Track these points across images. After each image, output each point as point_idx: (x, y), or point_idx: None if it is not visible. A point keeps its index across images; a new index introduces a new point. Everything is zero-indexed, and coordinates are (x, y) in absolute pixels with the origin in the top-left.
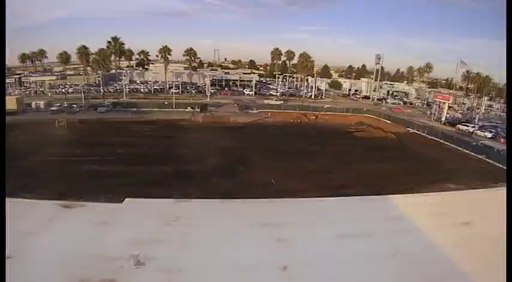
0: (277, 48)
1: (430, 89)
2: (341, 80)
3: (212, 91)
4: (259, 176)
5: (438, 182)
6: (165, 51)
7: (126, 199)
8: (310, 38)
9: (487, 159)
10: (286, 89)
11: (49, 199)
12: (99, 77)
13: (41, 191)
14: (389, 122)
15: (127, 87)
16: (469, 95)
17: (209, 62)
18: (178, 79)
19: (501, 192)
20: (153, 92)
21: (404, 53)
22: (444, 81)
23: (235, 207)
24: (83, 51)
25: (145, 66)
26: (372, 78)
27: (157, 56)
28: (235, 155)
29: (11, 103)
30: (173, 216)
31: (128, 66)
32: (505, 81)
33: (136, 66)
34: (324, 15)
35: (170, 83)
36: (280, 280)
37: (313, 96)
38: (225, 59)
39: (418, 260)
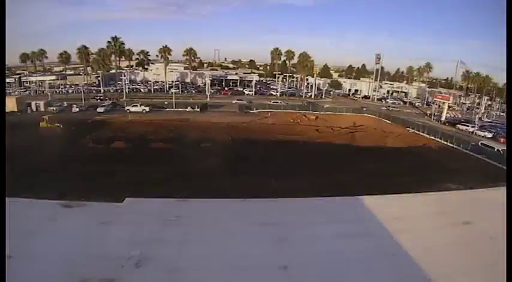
0: (277, 48)
1: (430, 89)
2: (341, 79)
3: (212, 91)
4: None
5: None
6: (165, 51)
7: (127, 199)
8: None
9: (486, 159)
10: (286, 89)
11: (49, 199)
12: (99, 77)
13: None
14: (389, 121)
15: (127, 87)
16: (469, 95)
17: (209, 62)
18: (178, 79)
19: (501, 192)
20: (153, 91)
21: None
22: (444, 81)
23: (235, 207)
24: (83, 51)
25: (145, 66)
26: (372, 78)
27: (157, 55)
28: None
29: (10, 103)
30: (173, 215)
31: (127, 66)
32: (504, 81)
33: (136, 66)
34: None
35: (170, 82)
36: (281, 279)
37: (313, 96)
38: (225, 58)
39: (418, 260)
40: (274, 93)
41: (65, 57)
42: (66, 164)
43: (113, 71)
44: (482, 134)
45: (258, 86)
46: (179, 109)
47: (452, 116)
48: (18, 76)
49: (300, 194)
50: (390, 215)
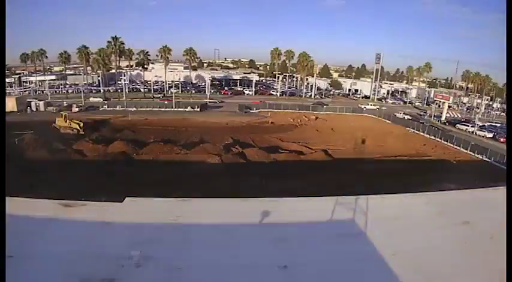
0: (277, 48)
1: (429, 89)
2: (341, 79)
3: (212, 91)
4: None
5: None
6: (165, 51)
7: (127, 198)
8: None
9: (486, 159)
10: (286, 89)
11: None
12: (99, 76)
13: None
14: (389, 122)
15: (127, 87)
16: (469, 95)
17: (209, 62)
18: (178, 79)
19: (501, 192)
20: (153, 91)
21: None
22: (444, 81)
23: (235, 206)
24: (83, 51)
25: (145, 66)
26: (372, 78)
27: (157, 55)
28: None
29: (10, 103)
30: (173, 215)
31: (127, 66)
32: (504, 81)
33: (136, 66)
34: None
35: (170, 82)
36: (280, 278)
37: (313, 96)
38: (225, 58)
39: (418, 259)
40: (274, 93)
41: (64, 57)
42: None
43: (113, 70)
44: (482, 134)
45: (258, 85)
46: (179, 109)
47: (452, 115)
48: (18, 76)
49: None
50: (390, 215)
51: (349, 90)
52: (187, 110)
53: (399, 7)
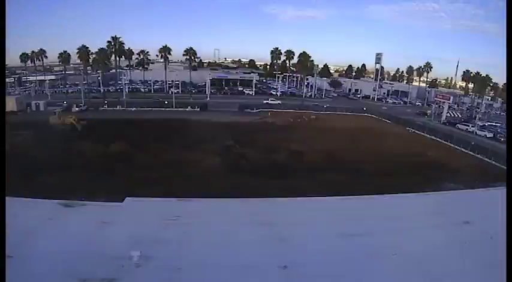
0: (277, 48)
1: (430, 89)
2: (341, 79)
3: (212, 91)
4: None
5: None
6: (165, 50)
7: (127, 198)
8: None
9: (486, 159)
10: (286, 89)
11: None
12: (99, 76)
13: None
14: (389, 121)
15: (127, 86)
16: (470, 95)
17: (209, 62)
18: (178, 78)
19: (501, 192)
20: (153, 91)
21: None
22: (444, 81)
23: (235, 206)
24: (83, 51)
25: (145, 66)
26: (372, 78)
27: (157, 55)
28: None
29: (10, 103)
30: (173, 215)
31: (127, 66)
32: (504, 81)
33: (136, 66)
34: None
35: (170, 82)
36: (281, 279)
37: (313, 96)
38: (225, 58)
39: (418, 260)
40: (274, 93)
41: (64, 57)
42: None
43: (113, 70)
44: (482, 133)
45: (258, 85)
46: (179, 109)
47: (452, 115)
48: (18, 76)
49: None
50: (390, 215)
51: (349, 90)
52: (187, 110)
53: (399, 7)
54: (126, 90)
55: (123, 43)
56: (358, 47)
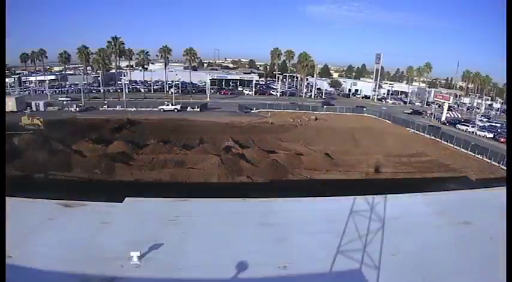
0: (277, 48)
1: (430, 89)
2: (341, 79)
3: (212, 91)
4: None
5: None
6: (165, 51)
7: (127, 198)
8: None
9: (486, 159)
10: (286, 89)
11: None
12: (99, 76)
13: None
14: (389, 121)
15: (127, 86)
16: (470, 95)
17: (209, 62)
18: (178, 78)
19: (501, 192)
20: (153, 91)
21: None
22: (444, 81)
23: (235, 206)
24: (83, 51)
25: (145, 66)
26: (372, 78)
27: (157, 55)
28: None
29: (10, 103)
30: (173, 215)
31: (127, 66)
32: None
33: (136, 66)
34: None
35: (170, 82)
36: (280, 279)
37: (313, 96)
38: (225, 58)
39: (419, 259)
40: (274, 93)
41: (64, 57)
42: None
43: (113, 70)
44: (482, 134)
45: (258, 85)
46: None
47: (452, 116)
48: (18, 76)
49: None
50: (390, 215)
51: (349, 90)
52: (187, 110)
53: (400, 7)
54: (126, 90)
55: (123, 43)
56: (358, 47)
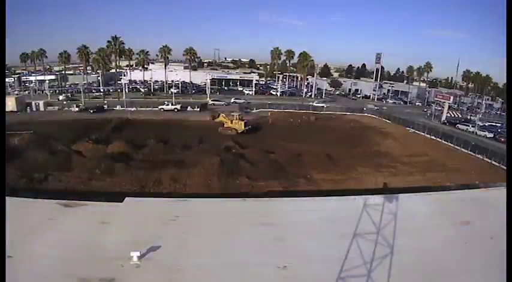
0: (277, 48)
1: (430, 89)
2: (341, 79)
3: (212, 91)
4: None
5: None
6: (165, 51)
7: (127, 198)
8: None
9: (486, 159)
10: (286, 89)
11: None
12: (99, 76)
13: None
14: (389, 121)
15: (127, 86)
16: (470, 95)
17: (209, 62)
18: (178, 78)
19: (501, 192)
20: (152, 91)
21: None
22: (444, 81)
23: (235, 206)
24: (83, 51)
25: (145, 66)
26: (372, 78)
27: (157, 55)
28: None
29: (10, 103)
30: (173, 215)
31: (127, 66)
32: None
33: (136, 66)
34: None
35: (170, 82)
36: (280, 278)
37: (313, 96)
38: (225, 58)
39: (418, 259)
40: (274, 93)
41: (64, 57)
42: None
43: (113, 70)
44: (482, 133)
45: (258, 85)
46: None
47: (452, 115)
48: (18, 76)
49: None
50: (390, 215)
51: (349, 90)
52: (187, 109)
53: (400, 7)
54: (126, 90)
55: (123, 43)
56: (358, 47)
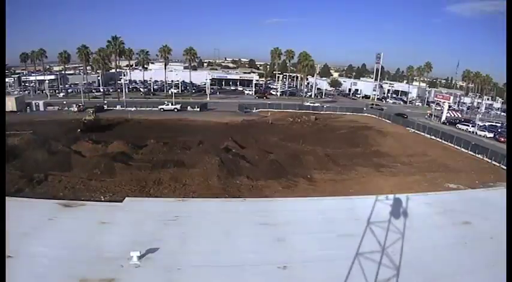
0: (277, 48)
1: (430, 88)
2: (341, 79)
3: (212, 90)
4: None
5: None
6: (165, 50)
7: (126, 198)
8: None
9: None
10: (286, 89)
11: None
12: (98, 76)
13: None
14: (389, 121)
15: (127, 86)
16: (470, 94)
17: (209, 62)
18: (178, 78)
19: (501, 192)
20: (152, 91)
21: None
22: (444, 81)
23: (235, 206)
24: (83, 51)
25: (145, 66)
26: (372, 78)
27: (157, 55)
28: None
29: (9, 103)
30: (173, 215)
31: (127, 66)
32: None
33: (136, 66)
34: None
35: (170, 82)
36: (280, 278)
37: (313, 96)
38: (225, 58)
39: (418, 259)
40: (274, 93)
41: (64, 57)
42: None
43: (113, 70)
44: (482, 133)
45: (258, 85)
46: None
47: (452, 115)
48: (17, 76)
49: None
50: (390, 215)
51: (349, 90)
52: (187, 109)
53: (400, 7)
54: (126, 90)
55: (123, 43)
56: (358, 47)
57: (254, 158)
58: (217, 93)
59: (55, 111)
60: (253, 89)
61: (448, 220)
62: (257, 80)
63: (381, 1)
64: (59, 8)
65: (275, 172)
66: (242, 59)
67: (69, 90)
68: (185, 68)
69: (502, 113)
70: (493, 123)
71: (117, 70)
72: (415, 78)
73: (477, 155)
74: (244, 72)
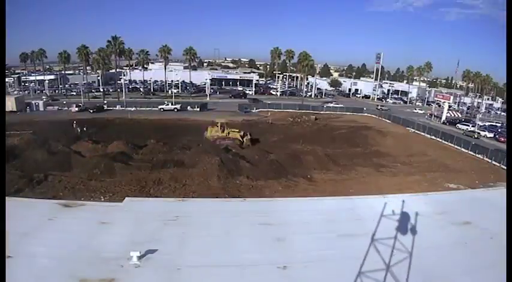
0: (277, 47)
1: (430, 88)
2: (341, 79)
3: (212, 90)
4: None
5: None
6: (165, 50)
7: (126, 198)
8: None
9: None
10: (286, 89)
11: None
12: (98, 76)
13: None
14: (389, 121)
15: (126, 86)
16: (470, 94)
17: (209, 61)
18: (178, 78)
19: (501, 192)
20: (152, 91)
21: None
22: (444, 81)
23: (235, 206)
24: (83, 51)
25: (145, 66)
26: (372, 78)
27: (157, 55)
28: None
29: (9, 103)
30: (173, 215)
31: (127, 66)
32: (505, 81)
33: (136, 66)
34: None
35: (170, 82)
36: (280, 278)
37: (313, 96)
38: (225, 58)
39: (419, 259)
40: (274, 93)
41: (64, 57)
42: None
43: (113, 70)
44: (482, 133)
45: (258, 85)
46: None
47: (452, 115)
48: (17, 76)
49: None
50: (390, 215)
51: (349, 90)
52: (187, 109)
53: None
54: (126, 90)
55: (123, 43)
56: (358, 47)
57: (254, 158)
58: (217, 93)
59: (55, 111)
60: (253, 89)
61: (448, 220)
62: (257, 80)
63: (381, 1)
64: (59, 8)
65: (275, 172)
66: (242, 59)
67: (69, 90)
68: (185, 68)
69: (502, 113)
70: (493, 123)
71: (117, 70)
72: (415, 78)
73: (477, 155)
74: (244, 72)
